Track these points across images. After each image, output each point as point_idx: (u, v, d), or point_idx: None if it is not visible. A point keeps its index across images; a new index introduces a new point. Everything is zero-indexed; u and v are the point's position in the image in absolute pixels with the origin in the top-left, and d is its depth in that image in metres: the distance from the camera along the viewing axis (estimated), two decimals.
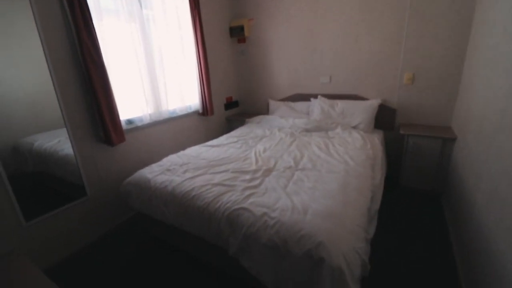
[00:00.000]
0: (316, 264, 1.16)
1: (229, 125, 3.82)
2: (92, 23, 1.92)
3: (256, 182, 1.74)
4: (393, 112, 2.83)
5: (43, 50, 1.77)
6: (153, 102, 2.61)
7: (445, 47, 2.44)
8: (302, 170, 1.90)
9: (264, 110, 3.80)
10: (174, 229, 1.80)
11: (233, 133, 3.01)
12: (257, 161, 2.10)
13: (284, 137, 2.70)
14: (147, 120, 2.57)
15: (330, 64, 3.11)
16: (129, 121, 2.46)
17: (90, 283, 1.80)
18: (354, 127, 2.78)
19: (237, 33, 3.55)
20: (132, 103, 2.46)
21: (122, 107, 2.30)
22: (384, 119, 2.87)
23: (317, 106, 3.08)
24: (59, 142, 2.00)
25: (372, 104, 2.79)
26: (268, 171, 1.91)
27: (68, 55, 1.92)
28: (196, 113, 3.21)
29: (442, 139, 2.39)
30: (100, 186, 2.22)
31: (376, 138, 2.53)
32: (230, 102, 3.87)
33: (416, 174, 2.60)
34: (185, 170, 1.99)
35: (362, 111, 2.79)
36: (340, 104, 2.95)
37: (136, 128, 2.49)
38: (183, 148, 2.57)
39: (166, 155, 2.40)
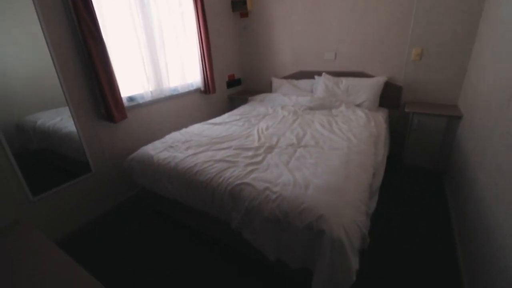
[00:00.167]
0: (316, 236, 1.18)
1: (232, 104, 3.78)
2: None
3: (259, 158, 1.75)
4: (399, 90, 2.77)
5: (41, 26, 1.72)
6: (154, 79, 2.57)
7: (457, 21, 2.33)
8: (305, 147, 1.90)
9: (267, 88, 3.74)
10: (177, 204, 1.84)
11: (235, 111, 2.99)
12: (259, 138, 2.10)
13: (287, 115, 2.67)
14: (148, 98, 2.54)
15: (335, 39, 3.00)
16: (131, 98, 2.44)
17: (95, 258, 1.85)
18: (359, 105, 2.73)
19: (239, 7, 3.41)
20: (132, 80, 2.43)
21: (123, 84, 2.27)
22: (389, 97, 2.81)
23: (321, 83, 3.02)
24: (61, 120, 2.01)
25: (378, 81, 2.72)
26: (271, 148, 1.91)
27: (67, 31, 1.87)
28: (198, 91, 3.17)
29: (447, 117, 2.35)
30: (104, 162, 2.25)
31: (381, 116, 2.50)
32: (233, 80, 3.80)
33: (420, 152, 2.58)
34: (188, 147, 2.00)
35: (367, 89, 2.73)
36: (345, 81, 2.89)
37: (138, 105, 2.47)
38: (185, 126, 2.56)
39: (168, 132, 2.40)
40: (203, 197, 1.60)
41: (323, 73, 3.07)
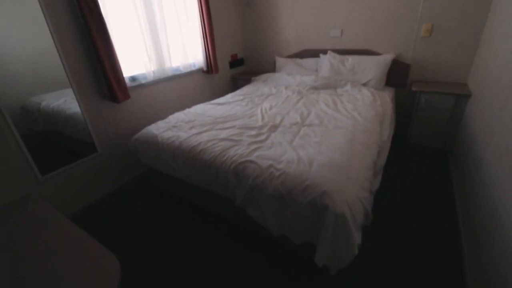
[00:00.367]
0: (320, 211, 1.19)
1: (234, 84, 3.73)
2: None
3: (262, 137, 1.74)
4: (406, 68, 2.69)
5: (40, 6, 1.68)
6: (155, 59, 2.53)
7: None
8: (309, 126, 1.88)
9: (271, 68, 3.66)
10: (182, 183, 1.87)
11: (238, 91, 2.95)
12: (263, 118, 2.08)
13: (291, 95, 2.63)
14: (150, 78, 2.52)
15: (342, 15, 2.89)
16: (133, 78, 2.41)
17: (101, 235, 1.87)
18: (364, 84, 2.67)
19: None
20: (134, 59, 2.39)
21: (125, 63, 2.24)
22: (396, 76, 2.74)
23: (326, 62, 2.94)
24: (65, 101, 2.00)
25: (385, 59, 2.65)
26: (274, 127, 1.90)
27: (66, 10, 1.82)
28: (200, 71, 3.12)
29: (456, 95, 2.30)
30: (108, 143, 2.27)
31: (387, 96, 2.45)
32: (235, 60, 3.73)
33: (425, 131, 2.55)
34: (191, 126, 2.00)
35: (374, 67, 2.66)
36: (351, 59, 2.81)
37: (140, 85, 2.45)
38: (188, 107, 2.55)
39: (171, 113, 2.39)
40: (207, 175, 1.61)
41: (329, 51, 2.99)
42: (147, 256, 1.67)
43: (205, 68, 3.10)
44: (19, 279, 0.70)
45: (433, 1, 2.37)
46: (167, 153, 1.81)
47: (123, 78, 2.16)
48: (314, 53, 3.20)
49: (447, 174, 2.25)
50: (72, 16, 1.86)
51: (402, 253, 1.56)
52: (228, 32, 3.47)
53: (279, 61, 3.42)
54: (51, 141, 2.03)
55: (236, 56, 3.73)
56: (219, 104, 2.52)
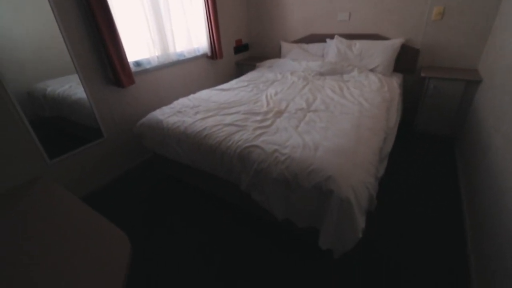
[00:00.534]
0: (325, 196, 1.20)
1: (239, 70, 3.68)
2: None
3: (268, 122, 1.74)
4: (415, 53, 2.62)
5: None
6: (160, 44, 2.50)
7: None
8: (315, 111, 1.87)
9: (276, 54, 3.60)
10: (187, 168, 1.88)
11: (243, 77, 2.92)
12: (268, 103, 2.07)
13: (296, 80, 2.60)
14: (155, 63, 2.50)
15: None
16: (137, 63, 2.39)
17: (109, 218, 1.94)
18: (372, 70, 2.62)
19: None
20: (138, 44, 2.37)
21: (129, 48, 2.22)
22: (405, 61, 2.68)
23: (333, 47, 2.88)
24: (70, 87, 2.00)
25: (394, 43, 2.57)
26: (279, 113, 1.89)
27: None
28: (204, 56, 3.08)
29: (466, 81, 2.25)
30: (114, 128, 2.28)
31: (395, 82, 2.40)
32: (240, 45, 3.66)
33: (433, 118, 2.52)
34: (196, 112, 1.99)
35: (382, 52, 2.59)
36: (358, 44, 2.74)
37: (145, 71, 2.43)
38: (193, 92, 2.54)
39: (176, 98, 2.38)
40: (212, 160, 1.62)
41: (336, 36, 2.91)
42: (152, 241, 1.70)
43: (209, 54, 3.06)
44: (29, 257, 0.72)
45: None
46: (172, 138, 1.81)
47: (127, 62, 2.14)
48: (320, 38, 3.12)
49: (452, 161, 2.23)
50: (76, 0, 1.83)
51: (406, 239, 1.57)
52: (233, 17, 3.40)
53: (285, 46, 3.36)
54: (57, 127, 2.05)
55: (241, 41, 3.67)
56: (223, 90, 2.50)
